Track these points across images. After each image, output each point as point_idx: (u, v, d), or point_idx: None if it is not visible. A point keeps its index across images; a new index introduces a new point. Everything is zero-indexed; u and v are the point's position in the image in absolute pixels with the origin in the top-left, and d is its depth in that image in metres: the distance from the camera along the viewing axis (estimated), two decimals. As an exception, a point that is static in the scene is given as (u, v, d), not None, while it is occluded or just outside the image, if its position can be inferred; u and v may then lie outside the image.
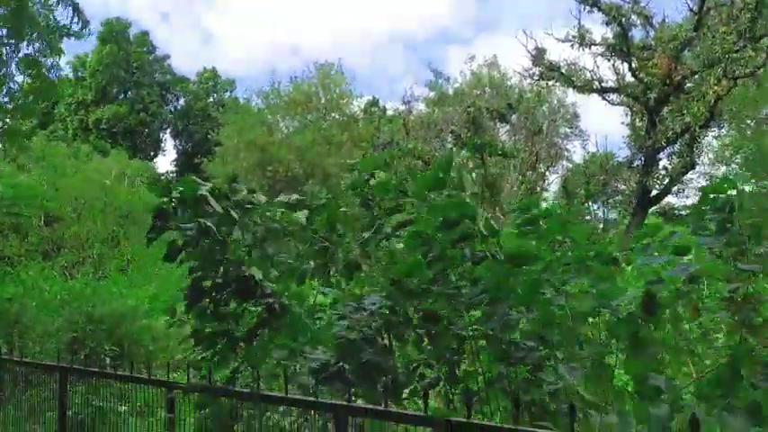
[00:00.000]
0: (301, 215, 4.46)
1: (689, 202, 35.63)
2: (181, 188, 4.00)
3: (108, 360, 8.71)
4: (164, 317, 11.25)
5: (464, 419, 2.66)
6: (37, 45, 8.81)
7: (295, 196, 4.69)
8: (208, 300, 3.96)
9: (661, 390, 2.76)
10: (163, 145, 54.44)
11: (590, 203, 32.33)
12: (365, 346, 3.22)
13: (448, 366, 3.25)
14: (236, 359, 3.84)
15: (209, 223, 3.90)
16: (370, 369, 3.14)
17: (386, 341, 3.43)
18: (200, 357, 3.98)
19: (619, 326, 3.26)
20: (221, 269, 4.06)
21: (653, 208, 29.08)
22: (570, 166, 33.53)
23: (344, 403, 3.04)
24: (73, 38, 8.77)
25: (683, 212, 38.54)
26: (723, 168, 28.42)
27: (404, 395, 3.26)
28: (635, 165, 25.98)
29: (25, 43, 8.84)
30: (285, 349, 3.79)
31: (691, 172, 26.82)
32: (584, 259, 3.41)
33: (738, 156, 26.35)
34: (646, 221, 28.33)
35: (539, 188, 29.17)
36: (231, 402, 3.72)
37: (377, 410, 2.95)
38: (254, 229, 4.22)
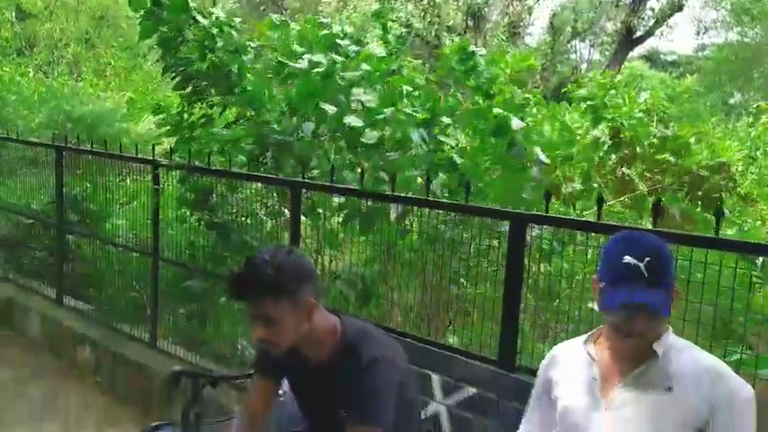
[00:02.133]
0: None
1: (672, 46, 35.17)
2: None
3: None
4: (143, 119, 11.73)
5: (388, 192, 3.46)
6: None
7: None
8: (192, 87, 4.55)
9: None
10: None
11: (577, 42, 31.91)
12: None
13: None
14: (211, 144, 4.50)
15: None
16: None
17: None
18: (179, 141, 4.65)
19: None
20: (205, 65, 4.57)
21: (635, 50, 28.87)
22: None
23: (299, 179, 3.81)
24: None
25: (669, 58, 38.23)
26: (713, 13, 28.00)
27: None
28: (622, 3, 25.45)
29: None
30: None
31: (678, 14, 26.38)
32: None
33: (728, 1, 25.90)
34: (626, 64, 28.26)
35: (523, 22, 28.56)
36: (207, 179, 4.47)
37: (323, 185, 3.73)
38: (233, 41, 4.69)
